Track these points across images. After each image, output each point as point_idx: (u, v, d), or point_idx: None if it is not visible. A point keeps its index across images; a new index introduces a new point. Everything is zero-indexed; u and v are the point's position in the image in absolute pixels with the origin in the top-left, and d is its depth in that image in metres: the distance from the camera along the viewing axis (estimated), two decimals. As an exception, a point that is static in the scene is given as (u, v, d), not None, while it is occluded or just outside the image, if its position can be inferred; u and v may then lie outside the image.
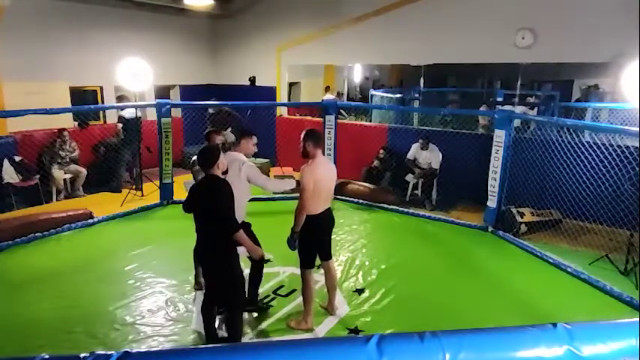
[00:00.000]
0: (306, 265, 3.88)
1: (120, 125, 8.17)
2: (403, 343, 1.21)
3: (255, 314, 4.18)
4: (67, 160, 7.52)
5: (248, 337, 3.87)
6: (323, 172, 3.75)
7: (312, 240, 3.85)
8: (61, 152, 7.44)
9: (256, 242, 4.03)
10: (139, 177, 7.74)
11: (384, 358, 1.15)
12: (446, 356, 1.18)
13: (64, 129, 7.49)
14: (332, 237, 6.05)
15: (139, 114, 8.07)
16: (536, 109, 9.07)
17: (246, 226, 3.96)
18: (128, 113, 7.97)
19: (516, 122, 6.95)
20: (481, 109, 9.59)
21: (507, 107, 7.41)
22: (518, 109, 8.20)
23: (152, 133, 7.67)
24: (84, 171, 7.61)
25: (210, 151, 3.41)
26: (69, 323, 3.95)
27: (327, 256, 4.06)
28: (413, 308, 4.33)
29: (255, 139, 4.14)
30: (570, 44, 6.96)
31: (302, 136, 3.79)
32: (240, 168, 3.87)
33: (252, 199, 4.23)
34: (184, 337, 3.84)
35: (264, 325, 4.05)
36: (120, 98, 8.44)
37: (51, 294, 4.48)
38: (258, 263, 4.10)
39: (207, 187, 3.34)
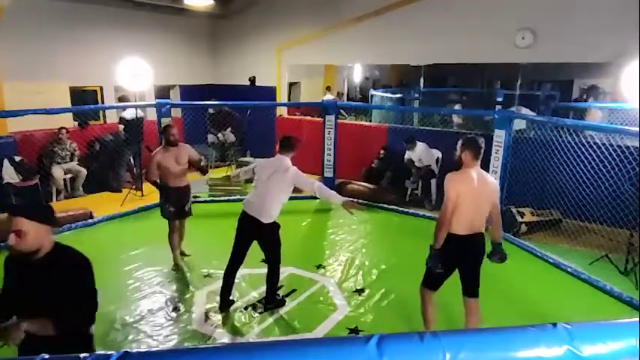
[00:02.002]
0: (425, 282, 3.47)
1: (121, 127, 8.16)
2: (403, 343, 1.21)
3: (257, 316, 4.18)
4: (67, 160, 7.52)
5: (248, 337, 3.88)
6: (471, 186, 3.22)
7: (443, 259, 3.29)
8: (60, 152, 7.44)
9: (279, 245, 4.12)
10: (139, 177, 7.75)
11: (384, 358, 1.15)
12: (446, 356, 1.17)
13: (62, 127, 7.48)
14: (333, 237, 6.16)
15: (141, 114, 8.06)
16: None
17: (278, 227, 4.07)
18: (129, 114, 7.97)
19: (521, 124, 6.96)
20: (456, 107, 9.61)
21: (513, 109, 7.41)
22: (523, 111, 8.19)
23: (152, 133, 7.67)
24: (84, 171, 7.61)
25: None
26: (69, 323, 3.95)
27: (467, 290, 3.44)
28: (413, 308, 4.31)
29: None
30: (570, 44, 6.96)
31: (460, 143, 3.32)
32: (286, 170, 3.96)
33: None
34: (184, 337, 3.84)
35: (264, 325, 4.05)
36: (121, 99, 8.44)
37: (51, 294, 4.47)
38: (273, 266, 4.16)
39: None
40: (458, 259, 3.36)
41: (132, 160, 8.15)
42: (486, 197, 3.30)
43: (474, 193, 3.23)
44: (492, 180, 3.42)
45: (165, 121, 7.13)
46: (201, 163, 5.18)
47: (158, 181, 4.96)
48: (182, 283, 4.77)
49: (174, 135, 4.91)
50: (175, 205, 4.96)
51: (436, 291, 3.51)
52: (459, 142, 3.34)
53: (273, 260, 4.16)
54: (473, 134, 3.69)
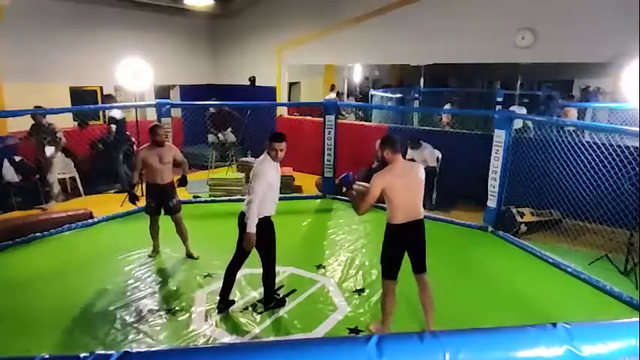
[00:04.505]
0: (384, 274, 3.78)
1: (113, 127, 8.11)
2: (403, 343, 1.21)
3: (257, 316, 4.18)
4: (55, 139, 6.95)
5: (248, 337, 3.88)
6: (398, 180, 3.53)
7: (389, 249, 3.74)
8: (45, 135, 6.90)
9: (274, 239, 4.10)
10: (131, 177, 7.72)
11: (384, 358, 1.16)
12: (446, 356, 1.18)
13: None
14: (333, 237, 6.16)
15: (124, 115, 8.05)
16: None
17: (267, 225, 4.02)
18: (118, 113, 7.96)
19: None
20: (446, 107, 9.60)
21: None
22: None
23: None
24: (74, 173, 7.58)
25: None
26: (69, 323, 3.96)
27: (417, 268, 3.83)
28: (413, 308, 4.33)
29: (274, 145, 3.85)
30: (570, 44, 6.96)
31: (378, 144, 3.64)
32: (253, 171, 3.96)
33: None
34: (184, 337, 3.84)
35: (264, 325, 4.05)
36: (108, 97, 8.37)
37: (51, 294, 4.48)
38: (266, 265, 4.13)
39: None
40: (404, 244, 3.72)
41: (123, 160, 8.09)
42: (416, 184, 3.64)
43: (403, 184, 3.55)
44: (419, 167, 3.77)
45: (165, 121, 7.13)
46: (183, 173, 5.37)
47: (136, 181, 5.34)
48: (182, 283, 4.77)
49: (160, 136, 5.08)
50: (156, 201, 5.22)
51: (396, 280, 3.74)
52: (377, 144, 3.65)
53: (264, 260, 4.11)
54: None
